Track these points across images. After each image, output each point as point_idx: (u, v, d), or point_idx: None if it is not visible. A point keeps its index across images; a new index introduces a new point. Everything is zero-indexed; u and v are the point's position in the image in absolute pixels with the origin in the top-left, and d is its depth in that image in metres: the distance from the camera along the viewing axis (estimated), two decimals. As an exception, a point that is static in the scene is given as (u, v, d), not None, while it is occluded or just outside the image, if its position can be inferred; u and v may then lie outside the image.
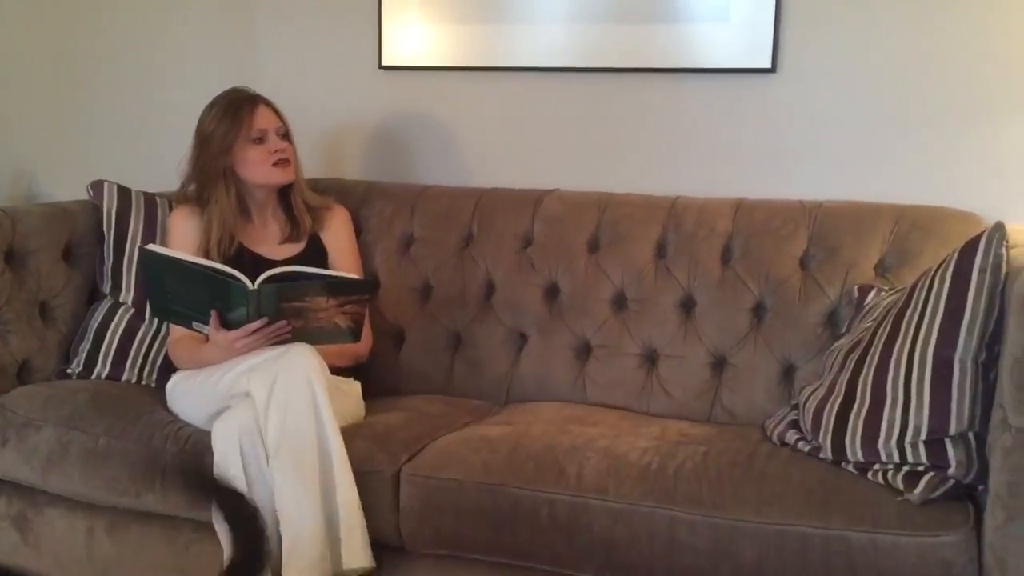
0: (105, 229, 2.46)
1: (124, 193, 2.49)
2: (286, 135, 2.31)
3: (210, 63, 2.92)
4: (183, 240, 2.26)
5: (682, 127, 2.51)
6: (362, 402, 2.20)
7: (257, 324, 1.99)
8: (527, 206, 2.45)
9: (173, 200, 2.41)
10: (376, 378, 2.35)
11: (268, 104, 2.31)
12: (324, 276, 2.06)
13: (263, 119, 2.27)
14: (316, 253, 2.33)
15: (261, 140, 2.26)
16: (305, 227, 2.34)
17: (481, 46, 2.64)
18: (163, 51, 2.99)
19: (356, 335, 2.07)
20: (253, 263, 2.18)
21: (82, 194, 2.55)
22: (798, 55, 2.39)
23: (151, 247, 2.09)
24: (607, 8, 2.51)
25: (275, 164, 2.26)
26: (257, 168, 2.26)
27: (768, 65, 2.39)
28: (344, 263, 2.35)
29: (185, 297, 2.04)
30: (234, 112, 2.26)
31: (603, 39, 2.53)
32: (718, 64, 2.44)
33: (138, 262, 2.40)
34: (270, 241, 2.32)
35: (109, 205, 2.46)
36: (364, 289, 2.08)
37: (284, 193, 2.35)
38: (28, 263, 2.34)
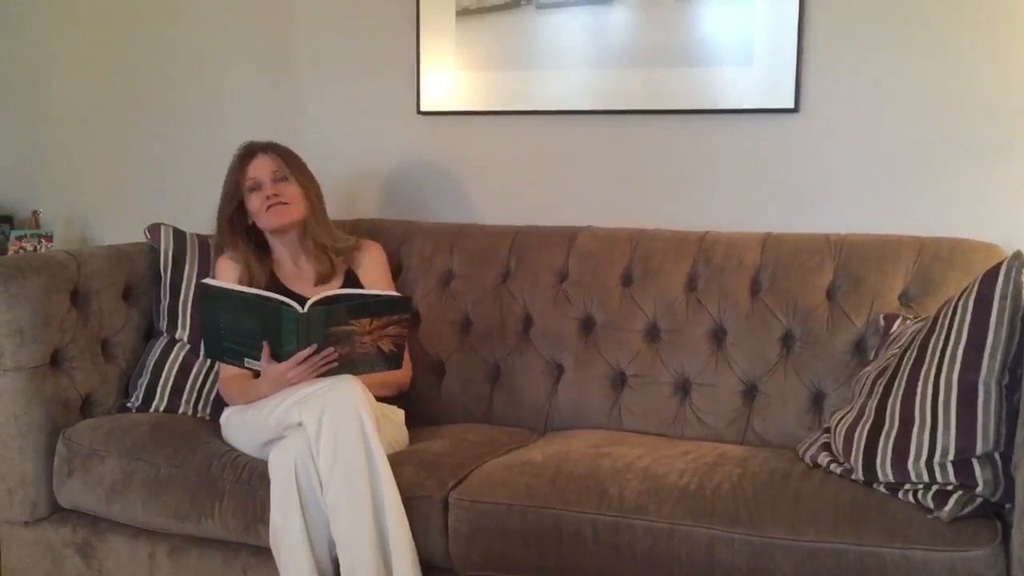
0: (162, 270, 2.53)
1: (179, 236, 2.57)
2: (285, 178, 2.34)
3: (257, 113, 3.01)
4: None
5: (710, 165, 2.57)
6: (405, 429, 2.26)
7: (307, 352, 2.04)
8: (562, 243, 2.52)
9: (215, 247, 2.51)
10: (418, 408, 2.40)
11: (267, 151, 2.36)
12: (366, 295, 2.14)
13: (256, 169, 2.34)
14: (352, 288, 2.36)
15: (257, 188, 2.34)
16: (335, 264, 2.40)
17: (514, 91, 2.72)
18: (213, 101, 3.09)
19: (398, 361, 2.14)
20: (295, 300, 2.26)
21: (133, 237, 2.62)
22: (819, 95, 2.46)
23: (208, 280, 2.19)
24: (636, 54, 2.59)
25: (268, 208, 2.33)
26: (258, 217, 2.36)
27: (791, 105, 2.46)
28: None
29: (238, 332, 2.10)
30: (236, 167, 2.37)
31: (632, 83, 2.60)
32: (743, 105, 2.51)
33: (195, 297, 2.48)
34: (306, 282, 2.38)
35: (166, 247, 2.55)
36: (403, 306, 2.12)
37: (311, 236, 2.41)
38: (91, 303, 2.41)
